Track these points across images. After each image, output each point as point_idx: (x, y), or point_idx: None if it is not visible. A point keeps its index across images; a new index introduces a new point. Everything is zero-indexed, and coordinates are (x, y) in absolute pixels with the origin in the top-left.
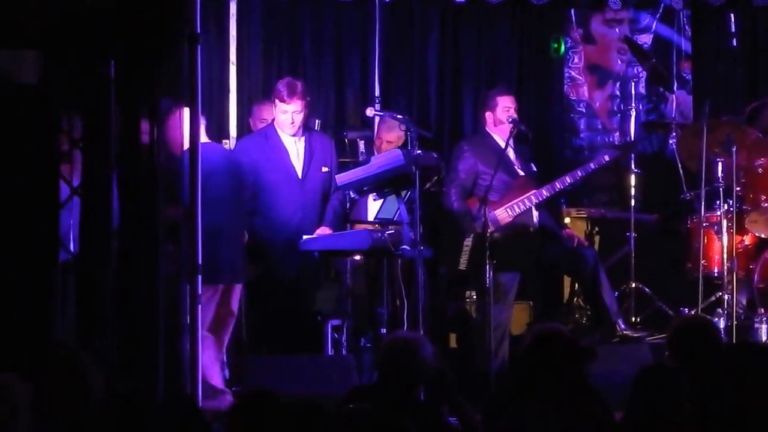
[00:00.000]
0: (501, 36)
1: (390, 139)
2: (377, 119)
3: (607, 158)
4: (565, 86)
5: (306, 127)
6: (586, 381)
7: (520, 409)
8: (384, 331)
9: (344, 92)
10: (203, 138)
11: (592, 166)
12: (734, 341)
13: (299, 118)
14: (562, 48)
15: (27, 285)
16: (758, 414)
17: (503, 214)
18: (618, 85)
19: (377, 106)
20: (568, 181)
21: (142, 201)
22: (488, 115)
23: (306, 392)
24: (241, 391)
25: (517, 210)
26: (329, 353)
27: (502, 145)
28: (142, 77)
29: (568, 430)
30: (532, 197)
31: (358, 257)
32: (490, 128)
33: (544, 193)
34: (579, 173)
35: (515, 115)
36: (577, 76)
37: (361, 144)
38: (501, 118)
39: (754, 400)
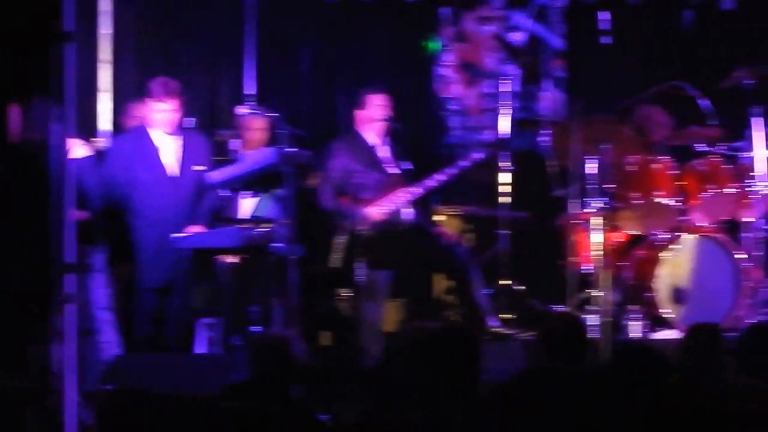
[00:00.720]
0: (374, 34)
1: (253, 137)
2: (249, 117)
3: (479, 156)
4: (438, 84)
5: (180, 126)
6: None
7: (401, 409)
8: (256, 329)
9: (218, 91)
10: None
11: (464, 164)
12: (607, 338)
13: (174, 117)
14: (435, 46)
15: None
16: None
17: (375, 211)
18: (490, 83)
19: (250, 105)
20: (441, 178)
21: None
22: (360, 113)
23: (178, 391)
24: (113, 390)
25: (390, 208)
26: (202, 351)
27: (374, 143)
28: (14, 76)
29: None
30: (405, 195)
31: (231, 256)
32: (362, 127)
33: (417, 190)
34: (451, 171)
35: (387, 114)
36: (450, 75)
37: (234, 142)
38: (373, 117)
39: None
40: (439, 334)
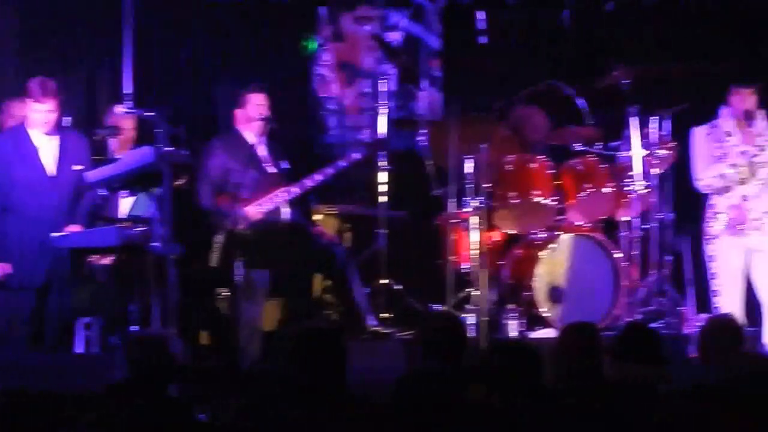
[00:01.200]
0: (253, 34)
1: (130, 136)
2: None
3: (357, 156)
4: (316, 84)
5: (59, 126)
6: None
7: (278, 408)
8: (135, 328)
9: (96, 89)
10: None
11: (342, 163)
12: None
13: (52, 117)
14: (313, 46)
15: None
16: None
17: (254, 211)
18: (368, 82)
19: (128, 104)
20: (319, 178)
21: None
22: (239, 112)
23: (57, 390)
24: None
25: (268, 207)
26: (81, 351)
27: (253, 142)
28: None
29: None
30: (283, 194)
31: (109, 255)
32: (241, 126)
33: (295, 190)
34: (329, 170)
35: (266, 113)
36: (327, 74)
37: (112, 141)
38: (252, 116)
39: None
40: (305, 333)
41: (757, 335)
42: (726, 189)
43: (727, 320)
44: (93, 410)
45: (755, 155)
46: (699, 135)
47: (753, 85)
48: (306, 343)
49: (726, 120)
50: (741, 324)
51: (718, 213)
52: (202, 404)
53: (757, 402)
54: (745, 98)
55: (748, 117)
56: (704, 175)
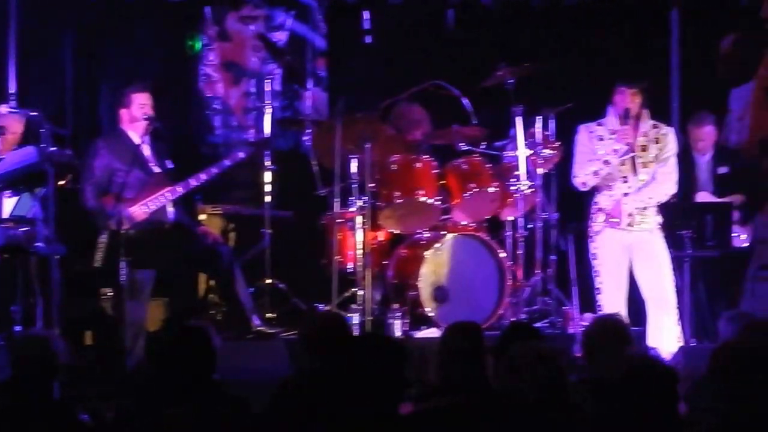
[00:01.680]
0: (138, 32)
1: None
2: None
3: (242, 155)
4: (201, 83)
5: None
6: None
7: (157, 407)
8: (18, 328)
9: None
10: None
11: (226, 163)
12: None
13: None
14: (198, 45)
15: None
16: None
17: (138, 211)
18: (253, 82)
19: (12, 104)
20: (203, 177)
21: None
22: (123, 112)
23: None
24: None
25: (153, 207)
26: None
27: (138, 142)
28: None
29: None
30: (168, 194)
31: None
32: (125, 125)
33: (180, 189)
34: (214, 170)
35: (150, 112)
36: (213, 74)
37: None
38: (136, 115)
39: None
40: (173, 332)
41: (642, 335)
42: (608, 186)
43: (613, 320)
44: None
45: (636, 154)
46: (582, 133)
47: (637, 85)
48: (174, 343)
49: (611, 118)
50: (626, 324)
51: (600, 210)
52: (84, 404)
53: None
54: (627, 97)
55: (629, 116)
56: (579, 172)
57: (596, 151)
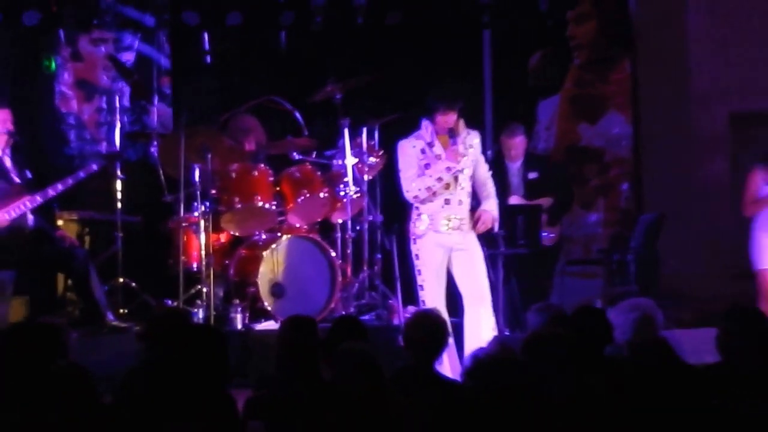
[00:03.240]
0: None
1: None
2: None
3: (95, 167)
4: (57, 100)
5: None
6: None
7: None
8: None
9: None
10: None
11: (81, 174)
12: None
13: None
14: (53, 65)
15: None
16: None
17: (0, 218)
18: (104, 98)
19: None
20: (60, 187)
21: None
22: None
23: None
24: None
25: (14, 214)
26: None
27: (0, 154)
28: None
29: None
30: (28, 202)
31: None
32: None
33: (38, 198)
34: (69, 181)
35: (11, 127)
36: (67, 91)
37: None
38: None
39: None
40: (16, 330)
41: (460, 326)
42: (432, 195)
43: (430, 315)
44: None
45: (458, 168)
46: (405, 148)
47: (456, 106)
48: (18, 340)
49: (429, 133)
50: (442, 317)
51: (422, 214)
52: None
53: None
54: (450, 118)
55: (455, 134)
56: (411, 187)
57: (420, 164)
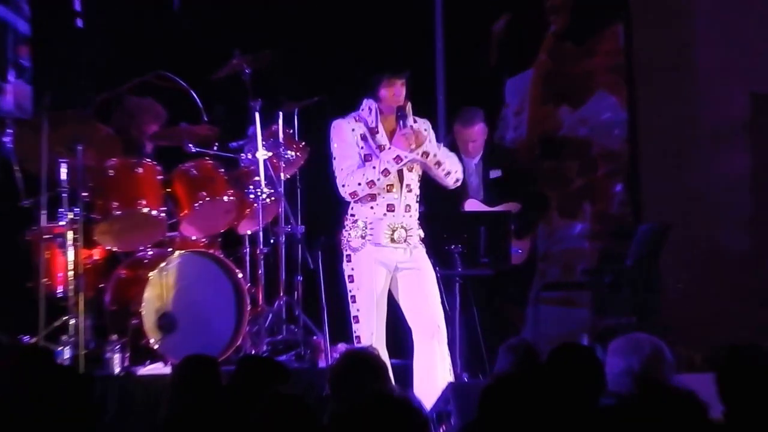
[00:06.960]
0: None
1: None
2: None
3: None
4: None
5: None
6: None
7: None
8: None
9: None
10: None
11: None
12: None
13: None
14: None
15: None
16: None
17: None
18: None
19: None
20: None
21: None
22: None
23: None
24: None
25: None
26: None
27: None
28: None
29: None
30: None
31: None
32: None
33: None
34: None
35: None
36: None
37: None
38: None
39: None
40: None
41: (409, 369)
42: (372, 197)
43: (363, 354)
44: None
45: (413, 156)
46: (342, 130)
47: (405, 74)
48: None
49: (372, 116)
50: (381, 358)
51: (358, 221)
52: None
53: None
54: (397, 90)
55: (405, 115)
56: (349, 181)
57: (361, 153)
